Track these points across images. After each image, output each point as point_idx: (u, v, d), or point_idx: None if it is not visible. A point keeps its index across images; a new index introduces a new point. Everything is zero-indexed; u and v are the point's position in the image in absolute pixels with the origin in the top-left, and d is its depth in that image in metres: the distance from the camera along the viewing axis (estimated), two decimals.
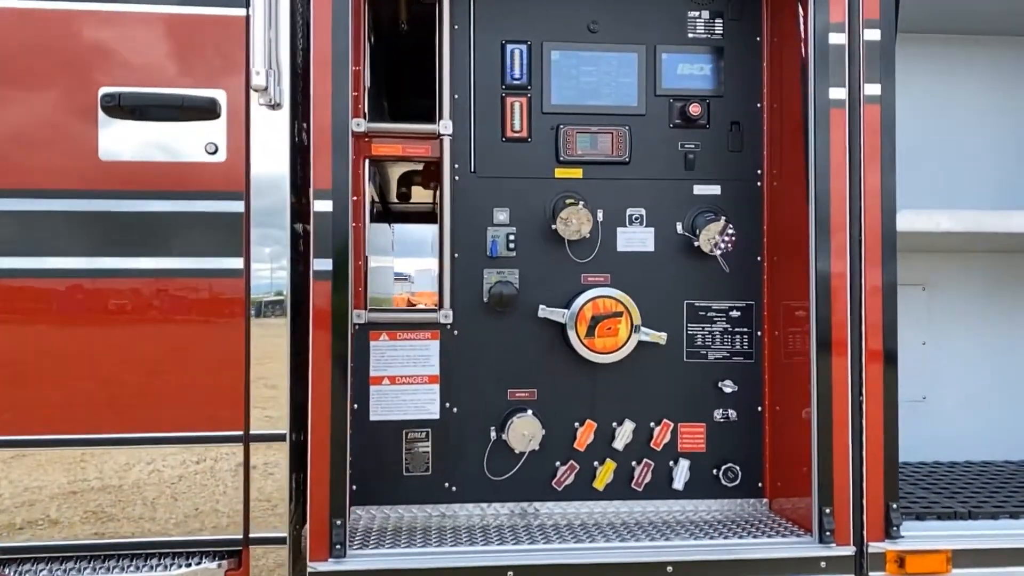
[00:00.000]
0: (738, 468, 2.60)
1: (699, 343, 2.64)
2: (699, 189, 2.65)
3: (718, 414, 2.64)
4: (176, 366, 2.14)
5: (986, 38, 3.22)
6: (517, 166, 2.59)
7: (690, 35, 2.66)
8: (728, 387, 2.62)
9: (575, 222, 2.48)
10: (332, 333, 2.15)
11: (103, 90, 2.12)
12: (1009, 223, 2.59)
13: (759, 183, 2.68)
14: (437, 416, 2.55)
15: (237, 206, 2.15)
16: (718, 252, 2.55)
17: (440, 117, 2.52)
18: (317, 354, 2.15)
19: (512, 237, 2.57)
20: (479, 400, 2.57)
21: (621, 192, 2.62)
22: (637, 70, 2.62)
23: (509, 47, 2.60)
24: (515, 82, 2.59)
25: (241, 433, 2.14)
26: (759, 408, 2.66)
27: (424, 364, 2.55)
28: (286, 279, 2.18)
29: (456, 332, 2.56)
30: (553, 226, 2.51)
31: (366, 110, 2.48)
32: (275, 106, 2.18)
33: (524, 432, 2.48)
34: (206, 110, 2.13)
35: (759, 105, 2.68)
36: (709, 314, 2.65)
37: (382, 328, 2.53)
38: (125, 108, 2.10)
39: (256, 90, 2.10)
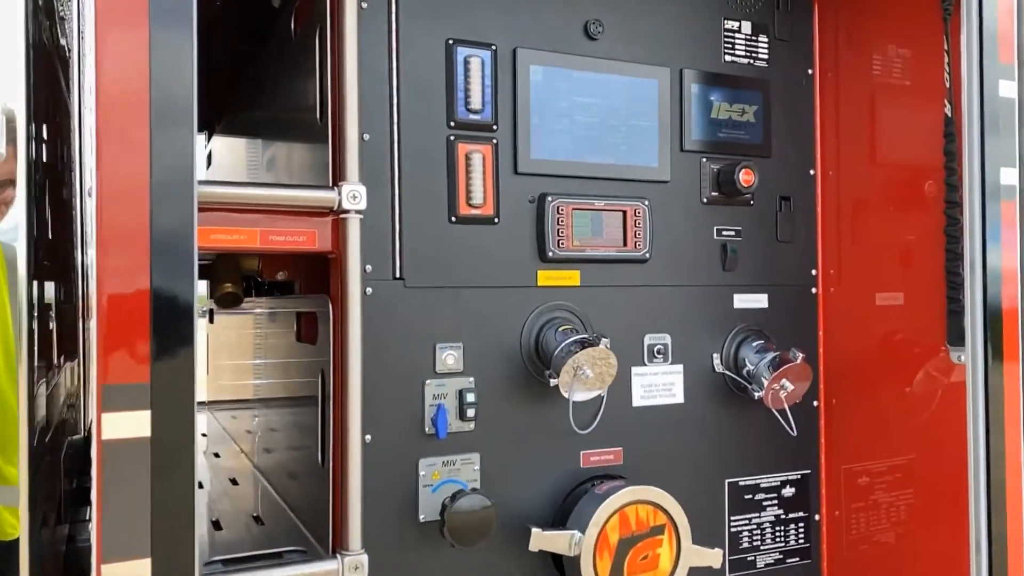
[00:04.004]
0: None
1: (746, 544, 1.68)
2: (742, 300, 1.69)
3: None
4: None
5: None
6: (476, 267, 1.44)
7: (726, 57, 1.68)
8: None
9: (592, 375, 1.39)
10: None
11: None
12: None
13: (813, 289, 1.78)
14: None
15: None
16: (786, 405, 1.61)
17: (340, 177, 1.29)
18: None
19: (471, 399, 1.41)
20: None
21: (638, 308, 1.58)
22: (659, 108, 1.59)
23: (461, 52, 1.43)
24: (472, 117, 1.44)
25: None
26: None
27: None
28: None
29: None
30: (552, 380, 1.40)
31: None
32: None
33: None
34: None
35: (812, 172, 1.79)
36: (757, 496, 1.70)
37: None
38: None
39: None
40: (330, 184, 1.31)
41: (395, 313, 1.38)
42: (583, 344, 1.39)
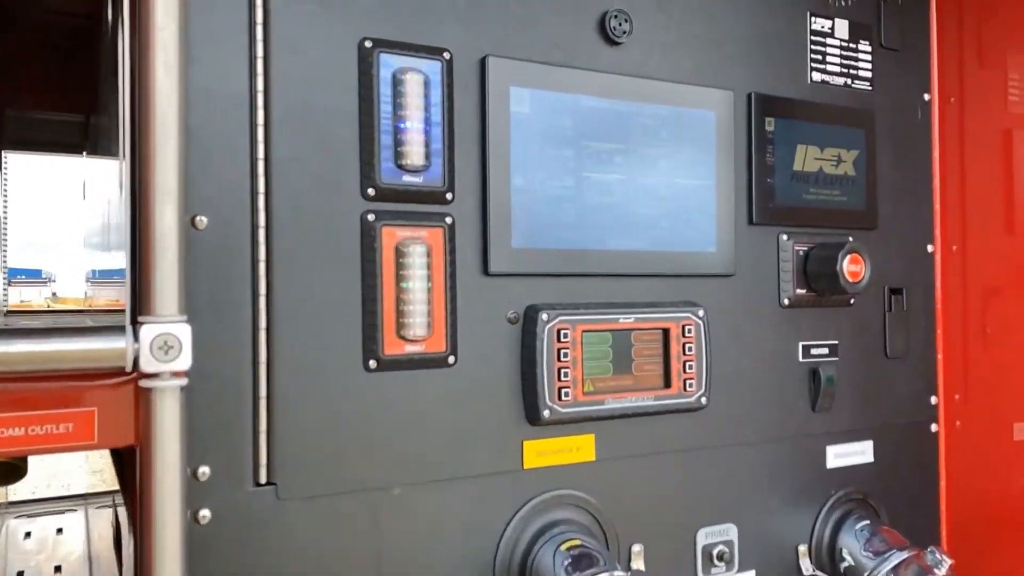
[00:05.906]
0: None
1: None
2: (838, 454, 1.08)
3: None
4: None
5: None
6: (415, 447, 0.80)
7: (815, 75, 1.07)
8: None
9: None
10: None
11: None
12: None
13: (934, 425, 1.18)
14: None
15: None
16: None
17: (144, 307, 0.65)
18: None
19: None
20: None
21: (688, 489, 0.96)
22: (717, 156, 0.97)
23: (388, 64, 0.80)
24: (409, 180, 0.80)
25: None
26: None
27: None
28: None
29: None
30: None
31: None
32: None
33: None
34: None
35: (930, 249, 1.19)
36: None
37: None
38: None
39: None
40: (126, 321, 0.67)
41: (257, 549, 0.73)
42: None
